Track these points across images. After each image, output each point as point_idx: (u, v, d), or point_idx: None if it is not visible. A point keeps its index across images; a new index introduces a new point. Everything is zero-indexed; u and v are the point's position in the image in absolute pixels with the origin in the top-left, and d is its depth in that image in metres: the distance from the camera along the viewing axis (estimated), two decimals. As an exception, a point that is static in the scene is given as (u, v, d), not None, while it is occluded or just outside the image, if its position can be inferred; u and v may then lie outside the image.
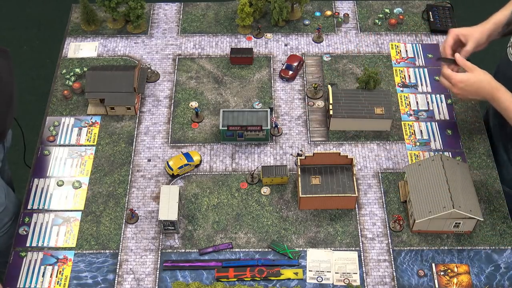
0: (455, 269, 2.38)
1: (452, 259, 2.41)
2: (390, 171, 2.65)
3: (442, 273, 2.38)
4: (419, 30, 3.13)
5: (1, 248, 2.82)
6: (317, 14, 3.20)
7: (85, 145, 2.72)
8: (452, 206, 2.32)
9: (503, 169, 2.72)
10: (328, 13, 3.20)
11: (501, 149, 2.75)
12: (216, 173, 2.65)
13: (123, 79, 2.77)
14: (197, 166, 2.66)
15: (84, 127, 2.78)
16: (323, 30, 3.13)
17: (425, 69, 2.97)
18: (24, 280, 2.36)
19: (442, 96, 2.88)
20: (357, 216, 2.52)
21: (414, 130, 2.77)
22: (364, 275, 2.37)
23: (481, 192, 2.58)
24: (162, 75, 2.96)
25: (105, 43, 3.09)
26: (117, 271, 2.38)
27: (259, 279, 2.35)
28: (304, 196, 2.48)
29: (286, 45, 3.08)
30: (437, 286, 2.35)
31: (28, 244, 2.45)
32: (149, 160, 2.68)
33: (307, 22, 3.16)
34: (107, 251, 2.43)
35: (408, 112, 2.82)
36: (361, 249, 2.43)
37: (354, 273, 2.37)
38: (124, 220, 2.51)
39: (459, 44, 2.61)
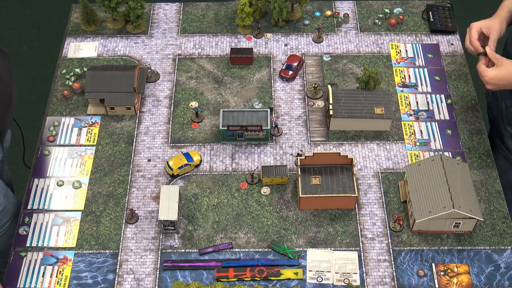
0: (455, 269, 2.38)
1: (452, 259, 2.41)
2: (390, 171, 2.65)
3: (442, 273, 2.37)
4: (419, 30, 3.13)
5: (1, 248, 2.82)
6: (317, 14, 3.20)
7: (85, 145, 2.72)
8: (452, 206, 2.32)
9: None
10: (328, 13, 3.20)
11: None
12: (216, 173, 2.65)
13: (123, 79, 2.77)
14: (197, 166, 2.66)
15: (84, 127, 2.78)
16: (323, 30, 3.13)
17: (425, 69, 2.97)
18: (24, 280, 2.36)
19: (442, 96, 2.88)
20: (357, 216, 2.52)
21: (414, 130, 2.77)
22: (364, 275, 2.37)
23: (481, 192, 2.58)
24: (162, 75, 2.96)
25: (105, 43, 3.09)
26: (117, 271, 2.38)
27: (259, 279, 2.35)
28: (304, 196, 2.48)
29: (286, 45, 3.08)
30: (437, 286, 2.34)
31: (28, 244, 2.45)
32: (149, 160, 2.68)
33: (307, 22, 3.16)
34: (107, 251, 2.43)
35: (408, 112, 2.82)
36: (361, 249, 2.43)
37: (354, 273, 2.37)
38: (124, 220, 2.50)
39: (482, 37, 2.65)
